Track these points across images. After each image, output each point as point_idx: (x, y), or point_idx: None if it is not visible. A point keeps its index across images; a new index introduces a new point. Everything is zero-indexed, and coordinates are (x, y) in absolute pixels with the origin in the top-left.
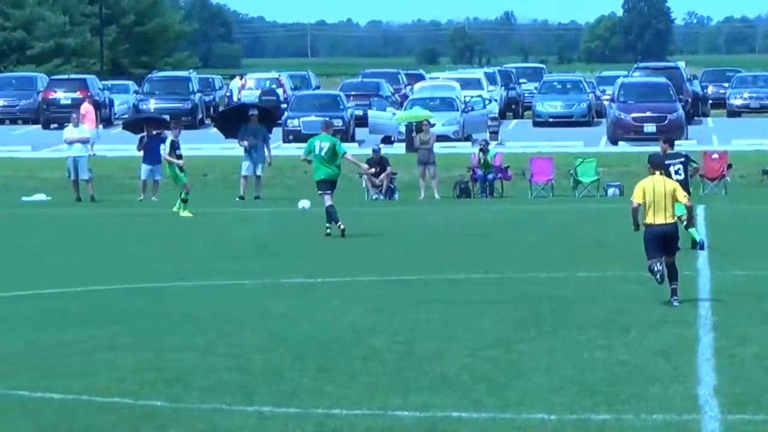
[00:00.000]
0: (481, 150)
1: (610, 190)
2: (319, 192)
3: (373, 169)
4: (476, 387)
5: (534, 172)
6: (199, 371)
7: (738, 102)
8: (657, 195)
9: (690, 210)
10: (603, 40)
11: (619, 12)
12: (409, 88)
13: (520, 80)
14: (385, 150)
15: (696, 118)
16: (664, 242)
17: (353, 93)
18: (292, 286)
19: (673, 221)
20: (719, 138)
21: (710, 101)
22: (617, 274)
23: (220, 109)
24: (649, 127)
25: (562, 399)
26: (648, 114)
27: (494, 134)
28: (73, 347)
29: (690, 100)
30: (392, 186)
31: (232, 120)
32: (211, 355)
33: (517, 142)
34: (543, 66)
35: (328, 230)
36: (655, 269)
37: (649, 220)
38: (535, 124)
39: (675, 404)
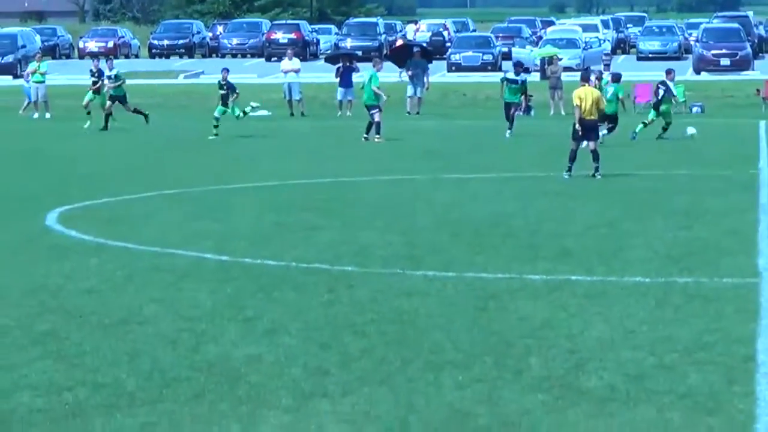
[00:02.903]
0: (597, 78)
1: (694, 109)
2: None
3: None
4: (589, 257)
5: (637, 94)
6: (379, 245)
7: None
8: (587, 99)
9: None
10: None
11: None
12: (543, 31)
13: (627, 25)
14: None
15: (761, 54)
16: (589, 132)
17: (501, 35)
18: (452, 180)
19: (595, 118)
20: None
21: None
22: (700, 172)
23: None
24: (725, 61)
25: (654, 266)
26: (724, 51)
27: (607, 66)
28: (284, 227)
29: (756, 41)
30: (530, 105)
31: (403, 55)
32: (388, 233)
33: (625, 72)
34: (645, 15)
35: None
36: (572, 148)
37: (583, 115)
38: (638, 58)
39: (740, 270)
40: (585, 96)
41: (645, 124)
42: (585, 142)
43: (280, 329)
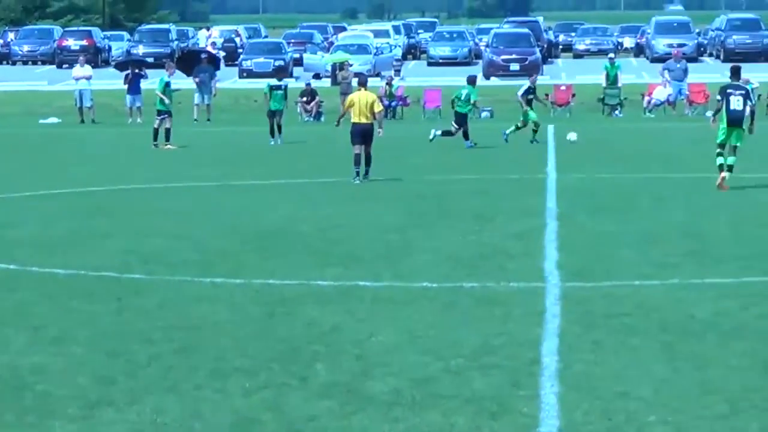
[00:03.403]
0: (387, 84)
1: (484, 114)
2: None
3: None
4: (377, 262)
5: (426, 100)
6: (168, 252)
7: (581, 47)
8: (360, 103)
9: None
10: (482, 1)
11: None
12: (335, 37)
13: (419, 31)
14: (315, 84)
15: (550, 59)
16: (362, 136)
17: (293, 40)
18: (241, 187)
19: (369, 122)
20: (566, 74)
21: (561, 47)
22: (488, 176)
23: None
24: (514, 66)
25: (442, 271)
26: (513, 56)
27: (398, 71)
28: (73, 235)
29: (546, 46)
30: (320, 111)
31: (189, 61)
32: (177, 240)
33: (414, 78)
34: (436, 20)
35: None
36: (356, 152)
37: (355, 120)
38: (429, 64)
39: (526, 275)
40: (358, 100)
41: (517, 127)
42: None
43: (67, 338)
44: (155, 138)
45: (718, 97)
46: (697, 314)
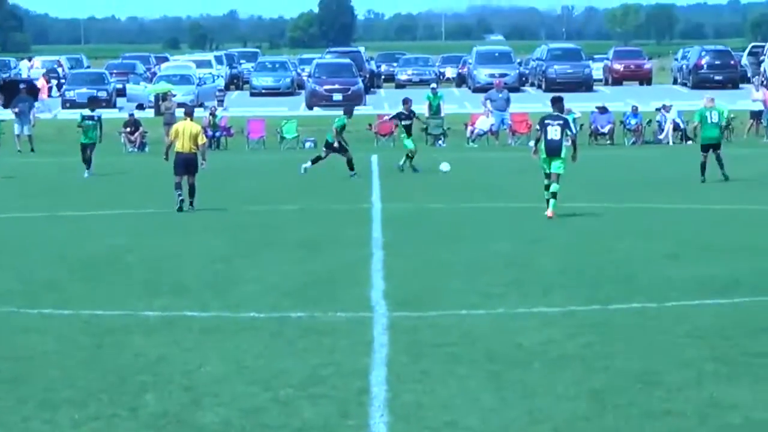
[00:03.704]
0: (210, 114)
1: (307, 144)
2: None
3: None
4: (204, 292)
5: (250, 130)
6: None
7: (404, 77)
8: (185, 134)
9: None
10: (303, 30)
11: (316, 9)
12: (157, 67)
13: (241, 61)
14: (139, 114)
15: (372, 89)
16: (185, 166)
17: (115, 71)
18: (68, 217)
19: (192, 152)
20: (389, 104)
21: (383, 77)
22: (313, 207)
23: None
24: (337, 96)
25: (269, 301)
26: (336, 86)
27: (221, 102)
28: None
29: (368, 76)
30: (144, 141)
31: (8, 92)
32: (3, 270)
33: (238, 108)
34: (258, 50)
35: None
36: (177, 188)
37: (178, 149)
38: (252, 94)
39: (354, 304)
40: (182, 130)
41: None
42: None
43: None
44: None
45: (537, 128)
46: (523, 343)
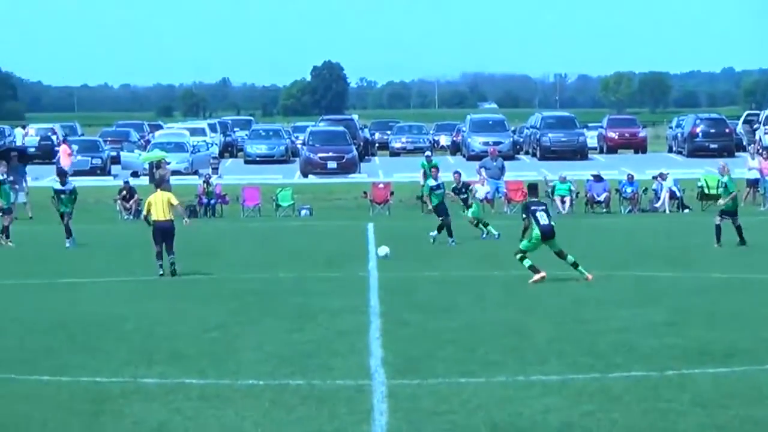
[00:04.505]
0: (205, 182)
1: (303, 212)
2: None
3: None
4: (202, 360)
5: (245, 198)
6: None
7: (398, 145)
8: (158, 203)
9: None
10: (296, 99)
11: (308, 77)
12: (151, 135)
13: (234, 129)
14: (133, 182)
15: (366, 157)
16: (162, 234)
17: (109, 138)
18: (66, 284)
19: (169, 219)
20: (384, 172)
21: (377, 144)
22: (308, 274)
23: None
24: (332, 164)
25: (267, 369)
26: (330, 154)
27: (215, 169)
28: None
29: (362, 144)
30: (139, 209)
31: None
32: (2, 337)
33: (232, 176)
34: (252, 118)
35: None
36: (157, 257)
37: (155, 218)
38: (246, 162)
39: (352, 372)
40: (155, 201)
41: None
42: None
43: None
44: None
45: (524, 216)
46: (524, 412)
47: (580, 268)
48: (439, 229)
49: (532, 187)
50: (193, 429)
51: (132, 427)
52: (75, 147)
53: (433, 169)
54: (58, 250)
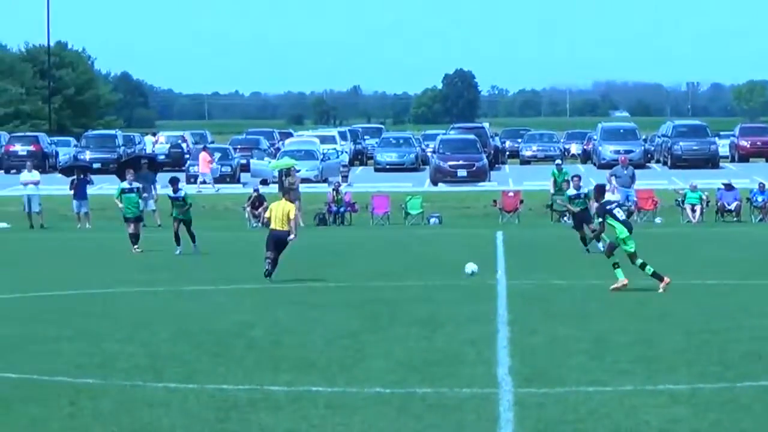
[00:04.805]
0: (334, 190)
1: (432, 220)
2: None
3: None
4: (330, 368)
5: (375, 206)
6: (121, 357)
7: (528, 153)
8: (278, 212)
9: None
10: (427, 107)
11: (440, 85)
12: (281, 143)
13: (365, 137)
14: (263, 189)
15: (497, 165)
16: (275, 242)
17: (239, 146)
18: (193, 292)
19: (285, 229)
20: (514, 180)
21: (507, 152)
22: (437, 282)
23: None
24: (462, 172)
25: (395, 377)
26: (461, 162)
27: (345, 177)
28: (27, 339)
29: (492, 152)
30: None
31: (130, 167)
32: (130, 344)
33: (362, 184)
34: (382, 126)
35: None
36: (266, 258)
37: (273, 226)
38: (376, 170)
39: (479, 381)
40: (276, 210)
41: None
42: None
43: None
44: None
45: (600, 219)
46: (651, 421)
47: (648, 267)
48: (596, 237)
49: (601, 189)
50: None
51: None
52: (217, 155)
53: (564, 183)
54: (183, 257)
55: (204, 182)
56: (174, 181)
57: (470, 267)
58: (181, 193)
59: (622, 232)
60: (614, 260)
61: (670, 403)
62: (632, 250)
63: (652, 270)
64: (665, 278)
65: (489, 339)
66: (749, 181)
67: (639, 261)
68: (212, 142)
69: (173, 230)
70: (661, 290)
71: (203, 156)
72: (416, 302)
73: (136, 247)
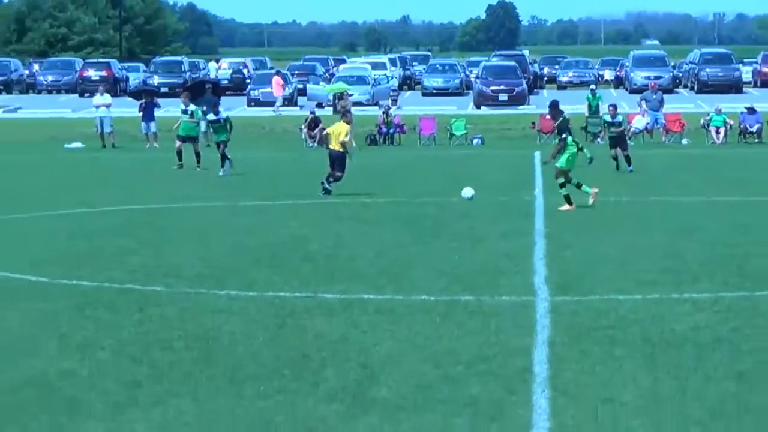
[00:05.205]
0: (384, 112)
1: (475, 141)
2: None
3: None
4: (379, 278)
5: (422, 127)
6: (186, 267)
7: (565, 79)
8: (334, 134)
9: None
10: (471, 35)
11: (483, 15)
12: (335, 68)
13: (413, 63)
14: (318, 112)
15: (535, 90)
16: (332, 160)
17: (297, 72)
18: (250, 207)
19: (340, 149)
20: None
21: (545, 78)
22: (480, 198)
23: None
24: (503, 96)
25: (439, 285)
26: (502, 87)
27: (394, 101)
28: (98, 251)
29: (531, 78)
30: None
31: (195, 91)
32: (193, 256)
33: (410, 107)
34: (429, 53)
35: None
36: (328, 173)
37: (330, 145)
38: (423, 94)
39: (517, 289)
40: (333, 132)
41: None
42: None
43: (93, 345)
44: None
45: (562, 135)
46: (676, 328)
47: (584, 187)
48: (627, 160)
49: (556, 104)
50: (370, 341)
51: (314, 339)
52: (293, 78)
53: (610, 108)
54: (241, 175)
55: (280, 105)
56: (215, 104)
57: (467, 191)
58: (223, 115)
59: (573, 153)
60: (576, 181)
61: (694, 310)
62: (563, 167)
63: (566, 192)
64: (573, 204)
65: (526, 251)
66: None
67: (561, 180)
68: (271, 68)
69: (219, 152)
70: (562, 209)
71: (276, 80)
72: (459, 217)
73: (181, 163)
